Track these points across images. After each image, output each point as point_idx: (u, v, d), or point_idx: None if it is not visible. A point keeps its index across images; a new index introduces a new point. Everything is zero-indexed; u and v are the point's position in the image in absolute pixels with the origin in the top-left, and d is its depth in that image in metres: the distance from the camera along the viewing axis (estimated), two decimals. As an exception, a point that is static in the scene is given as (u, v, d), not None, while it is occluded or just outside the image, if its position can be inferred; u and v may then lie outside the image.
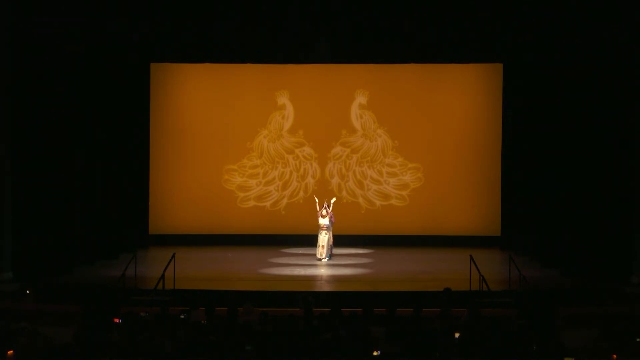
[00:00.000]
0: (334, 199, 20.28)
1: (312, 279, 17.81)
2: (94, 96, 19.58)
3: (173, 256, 16.07)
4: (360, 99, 22.76)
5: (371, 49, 21.30)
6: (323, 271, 18.50)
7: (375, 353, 9.51)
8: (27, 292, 15.37)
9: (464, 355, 9.61)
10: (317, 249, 19.62)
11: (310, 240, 20.23)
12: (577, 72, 17.91)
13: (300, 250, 21.04)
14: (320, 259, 19.45)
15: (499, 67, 22.35)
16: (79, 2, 18.09)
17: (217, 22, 20.25)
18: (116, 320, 11.58)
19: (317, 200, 20.14)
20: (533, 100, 20.28)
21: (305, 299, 12.79)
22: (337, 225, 20.38)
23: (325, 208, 19.78)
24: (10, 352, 9.49)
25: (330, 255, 19.73)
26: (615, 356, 9.87)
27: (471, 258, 15.91)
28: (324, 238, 19.56)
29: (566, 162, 18.39)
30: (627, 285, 16.47)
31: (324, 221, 19.59)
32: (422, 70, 22.65)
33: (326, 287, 16.88)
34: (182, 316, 11.81)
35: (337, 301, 13.49)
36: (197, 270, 17.96)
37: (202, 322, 11.36)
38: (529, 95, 20.60)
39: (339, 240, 20.76)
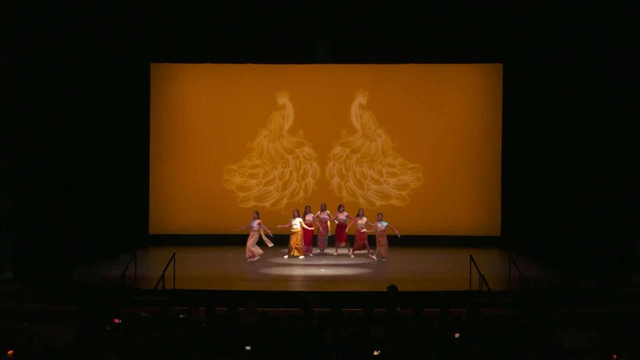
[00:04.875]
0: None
1: (312, 279, 17.80)
2: (94, 96, 19.56)
3: (173, 256, 16.08)
4: (360, 99, 22.74)
5: (371, 49, 21.33)
6: (323, 271, 18.50)
7: (375, 353, 9.50)
8: (27, 292, 15.34)
9: (464, 355, 9.61)
10: (290, 250, 19.90)
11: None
12: (577, 72, 17.91)
13: (300, 250, 21.03)
14: (286, 257, 19.79)
15: (499, 67, 22.35)
16: (79, 2, 18.10)
17: (217, 22, 20.26)
18: (116, 320, 11.58)
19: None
20: (533, 100, 20.27)
21: (305, 299, 12.79)
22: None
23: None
24: (10, 352, 9.48)
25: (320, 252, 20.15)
26: (615, 356, 9.87)
27: (471, 258, 15.91)
28: (294, 238, 19.86)
29: (566, 162, 18.38)
30: (627, 285, 16.47)
31: (295, 223, 19.82)
32: (422, 70, 22.64)
33: (326, 287, 16.87)
34: (181, 316, 11.80)
35: (337, 301, 13.49)
36: (197, 270, 17.97)
37: (202, 322, 11.35)
38: (529, 95, 20.59)
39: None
